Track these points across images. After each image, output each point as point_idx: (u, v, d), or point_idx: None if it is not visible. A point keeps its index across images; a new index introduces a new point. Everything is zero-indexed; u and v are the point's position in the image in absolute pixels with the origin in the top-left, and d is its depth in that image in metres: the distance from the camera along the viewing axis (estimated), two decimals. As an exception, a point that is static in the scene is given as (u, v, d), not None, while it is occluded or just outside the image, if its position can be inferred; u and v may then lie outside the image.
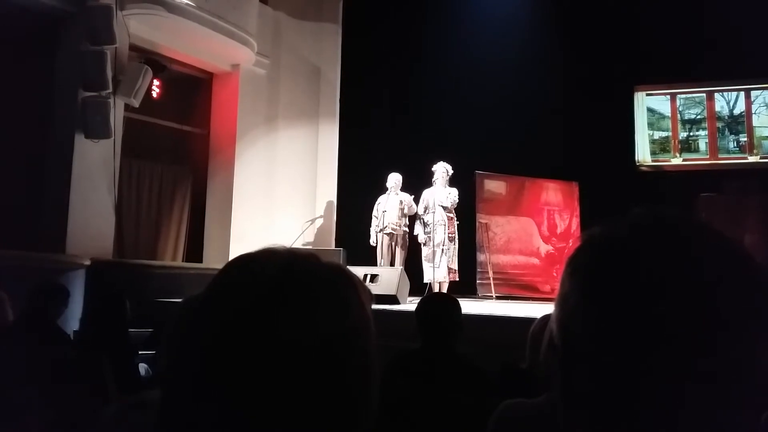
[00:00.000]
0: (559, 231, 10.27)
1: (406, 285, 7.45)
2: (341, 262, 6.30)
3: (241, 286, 0.68)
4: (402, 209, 8.19)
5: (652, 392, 0.57)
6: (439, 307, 3.00)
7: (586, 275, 0.64)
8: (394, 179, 8.30)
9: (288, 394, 0.63)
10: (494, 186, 10.04)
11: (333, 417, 0.65)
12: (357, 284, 0.73)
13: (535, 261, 10.11)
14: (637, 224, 0.65)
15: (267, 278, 0.67)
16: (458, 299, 3.11)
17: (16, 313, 4.06)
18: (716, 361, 0.57)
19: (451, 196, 8.00)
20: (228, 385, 0.63)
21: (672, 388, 0.57)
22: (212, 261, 8.85)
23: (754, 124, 10.45)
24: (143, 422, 0.76)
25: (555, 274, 9.99)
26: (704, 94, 10.74)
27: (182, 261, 8.97)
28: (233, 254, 8.70)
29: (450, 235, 7.97)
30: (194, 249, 9.20)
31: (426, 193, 8.15)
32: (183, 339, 0.68)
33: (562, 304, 0.65)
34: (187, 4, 7.90)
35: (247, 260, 0.72)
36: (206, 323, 0.67)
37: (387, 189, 8.31)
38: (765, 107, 10.44)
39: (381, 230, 8.20)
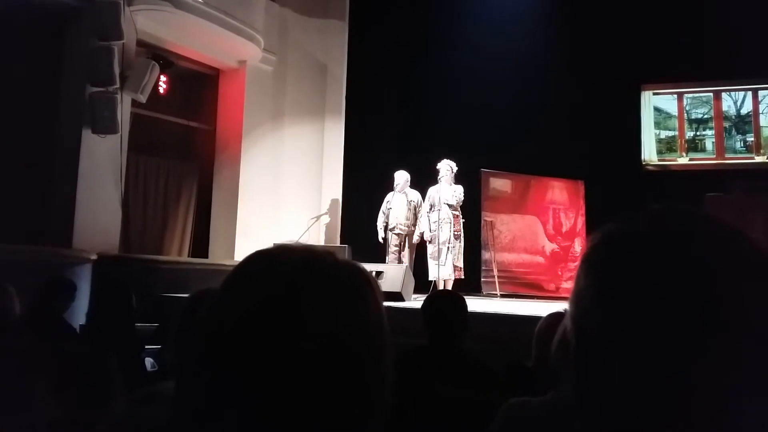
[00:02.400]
0: (564, 230, 10.26)
1: (411, 282, 7.46)
2: (346, 258, 6.30)
3: (260, 282, 0.68)
4: (410, 209, 8.20)
5: (667, 390, 0.57)
6: (445, 304, 3.00)
7: (602, 272, 0.63)
8: (400, 178, 8.29)
9: (304, 387, 0.64)
10: (500, 184, 10.03)
11: (348, 410, 0.66)
12: (372, 282, 0.73)
13: (540, 259, 10.10)
14: (653, 221, 0.64)
15: (285, 274, 0.68)
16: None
17: (22, 307, 4.07)
18: (734, 360, 0.56)
19: (457, 193, 8.00)
20: (244, 378, 0.64)
21: (687, 385, 0.57)
22: (218, 256, 8.87)
23: (761, 124, 10.42)
24: (157, 415, 0.77)
25: (560, 273, 9.99)
26: (711, 94, 10.71)
27: (188, 256, 9.00)
28: (239, 250, 8.78)
29: (455, 232, 7.97)
30: (200, 244, 9.22)
31: (431, 191, 8.15)
32: (198, 332, 0.69)
33: (577, 301, 0.65)
34: (194, 0, 7.91)
35: (264, 256, 0.72)
36: (224, 317, 0.68)
37: (394, 187, 8.32)
38: (772, 107, 10.40)
39: (390, 229, 8.22)
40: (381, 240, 8.32)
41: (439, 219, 7.95)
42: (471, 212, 8.79)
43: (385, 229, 8.28)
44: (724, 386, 0.56)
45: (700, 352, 0.57)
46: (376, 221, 8.36)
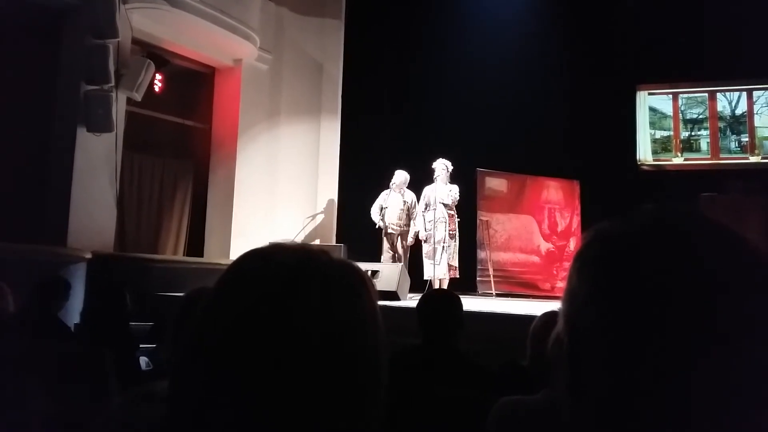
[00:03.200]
0: (559, 229, 10.27)
1: (407, 281, 7.46)
2: (342, 257, 6.29)
3: (254, 280, 0.69)
4: (404, 209, 8.20)
5: (661, 388, 0.57)
6: (440, 303, 3.00)
7: (595, 270, 0.63)
8: (398, 177, 8.27)
9: (299, 386, 0.64)
10: (495, 183, 10.03)
11: (343, 409, 0.66)
12: (366, 280, 0.74)
13: (536, 259, 10.12)
14: (647, 220, 0.64)
15: (280, 273, 0.68)
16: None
17: (17, 306, 4.06)
18: (727, 359, 0.56)
19: (453, 193, 8.00)
20: (240, 376, 0.64)
21: (680, 384, 0.57)
22: (213, 255, 8.85)
23: (755, 125, 10.45)
24: (152, 413, 0.77)
25: (555, 273, 10.00)
26: (706, 94, 10.73)
27: (183, 255, 8.98)
28: (234, 249, 8.74)
29: (451, 232, 7.97)
30: (195, 243, 9.20)
31: (427, 190, 8.15)
32: (193, 330, 0.69)
33: (570, 299, 0.65)
34: (190, -1, 7.90)
35: (259, 255, 0.72)
36: (219, 316, 0.68)
37: (390, 185, 8.31)
38: (767, 107, 10.43)
39: (384, 228, 8.22)
40: (379, 223, 8.27)
41: (434, 218, 7.95)
42: (466, 211, 8.79)
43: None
44: (718, 385, 0.56)
45: (693, 350, 0.57)
46: (371, 211, 8.34)
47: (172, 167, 9.12)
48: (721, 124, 10.64)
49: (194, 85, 9.36)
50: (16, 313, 3.98)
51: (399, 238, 8.24)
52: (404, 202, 8.23)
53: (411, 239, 8.24)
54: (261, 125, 9.49)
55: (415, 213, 8.22)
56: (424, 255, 8.08)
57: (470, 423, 2.32)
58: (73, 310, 5.31)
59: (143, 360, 4.04)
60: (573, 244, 10.06)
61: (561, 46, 10.04)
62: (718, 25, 9.06)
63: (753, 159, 10.39)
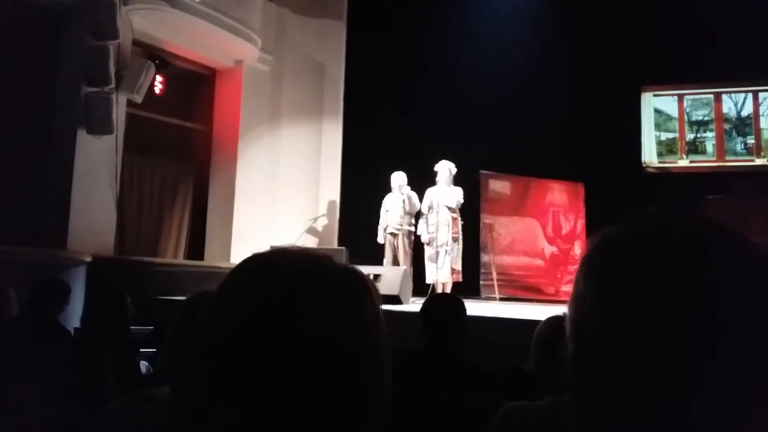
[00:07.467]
0: (564, 232, 10.23)
1: (409, 285, 7.43)
2: (344, 261, 6.27)
3: (257, 285, 0.69)
4: (404, 208, 8.12)
5: (667, 394, 0.57)
6: (444, 307, 2.98)
7: (601, 275, 0.63)
8: (396, 179, 8.25)
9: (302, 391, 0.64)
10: (499, 186, 10.00)
11: (346, 414, 0.67)
12: (369, 285, 0.75)
13: (540, 262, 10.07)
14: (653, 223, 0.64)
15: (282, 278, 0.69)
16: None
17: (17, 309, 4.05)
18: (735, 363, 0.56)
19: (456, 195, 7.96)
20: (243, 381, 0.64)
21: (687, 390, 0.57)
22: (214, 259, 8.84)
23: (761, 126, 10.40)
24: (152, 418, 0.76)
25: (559, 276, 9.96)
26: (712, 96, 10.69)
27: (183, 258, 8.97)
28: (235, 252, 8.73)
29: (454, 235, 7.92)
30: (196, 246, 9.19)
31: (430, 193, 8.10)
32: (195, 335, 0.71)
33: (576, 304, 0.65)
34: (191, 0, 7.88)
35: (261, 260, 0.73)
36: (221, 320, 0.69)
37: (391, 189, 8.28)
38: (773, 109, 10.39)
39: (384, 229, 8.18)
40: (380, 242, 8.25)
41: (437, 221, 7.89)
42: (470, 214, 8.76)
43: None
44: (725, 390, 0.56)
45: (700, 355, 0.57)
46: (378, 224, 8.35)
47: (173, 170, 9.11)
48: (726, 126, 10.60)
49: (195, 87, 9.36)
50: (15, 317, 3.96)
51: (401, 237, 8.15)
52: (403, 201, 8.13)
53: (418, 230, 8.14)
54: (262, 127, 9.48)
55: (412, 205, 8.11)
56: (426, 258, 8.03)
57: (473, 428, 2.28)
58: (73, 314, 5.28)
59: (143, 364, 4.00)
60: (577, 248, 10.02)
61: (565, 47, 10.00)
62: (724, 25, 9.02)
63: (759, 161, 10.34)
